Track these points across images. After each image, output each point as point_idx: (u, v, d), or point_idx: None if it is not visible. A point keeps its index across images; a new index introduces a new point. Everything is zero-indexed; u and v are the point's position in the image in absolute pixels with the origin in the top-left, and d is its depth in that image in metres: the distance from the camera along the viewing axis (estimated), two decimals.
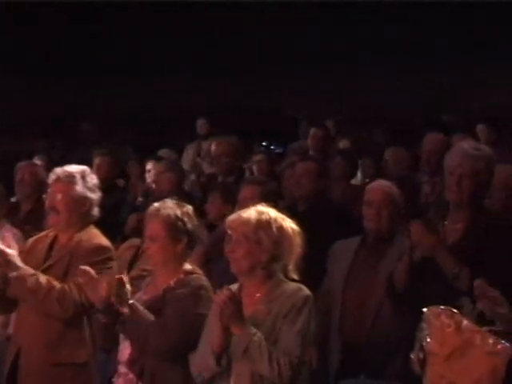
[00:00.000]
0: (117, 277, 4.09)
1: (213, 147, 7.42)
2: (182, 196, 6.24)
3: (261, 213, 3.86)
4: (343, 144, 8.86)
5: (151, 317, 4.10)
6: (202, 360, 3.83)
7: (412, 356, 3.02)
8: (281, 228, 3.84)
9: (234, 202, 5.64)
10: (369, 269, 4.92)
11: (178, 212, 4.23)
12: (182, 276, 4.19)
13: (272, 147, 11.40)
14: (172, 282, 4.18)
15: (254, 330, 3.70)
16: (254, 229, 3.81)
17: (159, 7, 14.77)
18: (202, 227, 5.27)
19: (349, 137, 9.03)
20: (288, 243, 3.84)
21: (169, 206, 4.25)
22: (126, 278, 4.11)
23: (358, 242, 5.07)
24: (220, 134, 7.84)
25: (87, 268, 4.19)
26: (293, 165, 6.70)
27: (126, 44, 15.52)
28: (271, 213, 3.88)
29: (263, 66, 15.12)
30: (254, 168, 7.82)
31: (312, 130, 8.29)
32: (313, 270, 5.24)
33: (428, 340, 2.93)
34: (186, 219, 4.24)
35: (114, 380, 4.26)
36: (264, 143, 11.53)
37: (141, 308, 4.10)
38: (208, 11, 14.91)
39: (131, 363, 4.16)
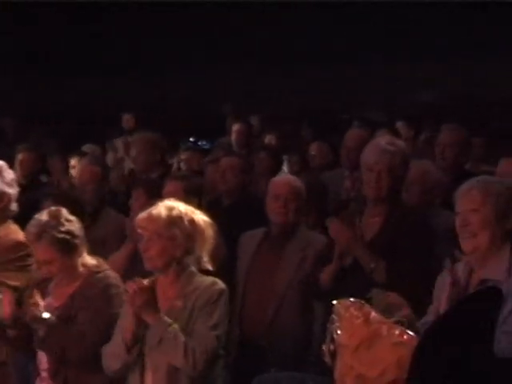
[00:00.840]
0: (26, 293, 4.04)
1: (133, 144, 7.39)
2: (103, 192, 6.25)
3: (171, 208, 3.86)
4: (268, 139, 8.90)
5: (65, 327, 4.03)
6: (112, 349, 3.81)
7: (323, 348, 3.06)
8: (192, 221, 3.86)
9: (158, 198, 5.64)
10: (270, 261, 4.99)
11: (54, 223, 4.11)
12: (86, 275, 4.13)
13: (199, 143, 11.38)
14: (78, 284, 4.11)
15: (169, 321, 3.70)
16: (166, 225, 3.81)
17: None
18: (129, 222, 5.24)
19: (274, 132, 9.07)
20: (200, 236, 3.86)
21: (42, 224, 4.12)
22: (35, 293, 4.05)
23: (261, 233, 5.11)
24: (146, 129, 7.80)
25: None
26: (216, 160, 6.73)
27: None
28: (181, 207, 3.89)
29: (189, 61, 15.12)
30: (181, 164, 7.83)
31: (235, 126, 8.32)
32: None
33: (338, 332, 2.98)
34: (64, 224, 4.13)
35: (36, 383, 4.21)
36: (191, 139, 11.51)
37: (52, 318, 4.03)
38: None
39: (53, 374, 4.10)
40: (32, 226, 4.15)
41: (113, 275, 4.19)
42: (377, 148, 4.53)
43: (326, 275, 4.45)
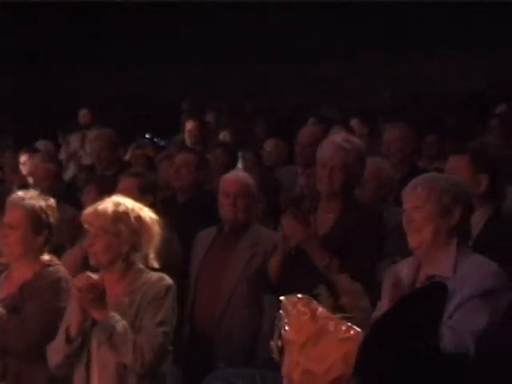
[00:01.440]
0: None
1: (89, 140, 7.36)
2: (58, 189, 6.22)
3: (117, 204, 3.84)
4: (223, 136, 8.90)
5: (9, 317, 4.00)
6: (56, 344, 3.79)
7: (271, 344, 3.07)
8: (139, 218, 3.84)
9: (110, 195, 5.61)
10: (222, 259, 5.00)
11: (43, 204, 4.18)
12: (38, 269, 4.13)
13: (155, 140, 11.34)
14: (29, 277, 4.11)
15: (118, 317, 3.69)
16: (111, 221, 3.79)
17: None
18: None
19: (229, 129, 9.07)
20: (147, 233, 3.85)
21: (33, 197, 4.19)
22: None
23: (215, 231, 5.12)
24: (102, 125, 7.77)
25: None
26: (170, 156, 6.71)
27: None
28: (128, 203, 3.87)
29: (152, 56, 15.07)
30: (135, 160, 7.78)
31: (188, 123, 8.31)
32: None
33: (286, 328, 2.98)
34: (49, 212, 4.18)
35: None
36: (147, 136, 11.47)
37: None
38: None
39: None
40: (20, 194, 4.19)
41: (63, 270, 4.18)
42: (332, 144, 4.56)
43: (273, 264, 4.48)
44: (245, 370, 3.91)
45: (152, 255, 3.89)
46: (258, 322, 4.76)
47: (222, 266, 4.96)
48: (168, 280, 3.86)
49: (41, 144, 8.30)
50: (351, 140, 4.64)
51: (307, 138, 6.38)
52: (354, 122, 8.63)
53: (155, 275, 3.87)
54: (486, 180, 4.29)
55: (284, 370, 3.01)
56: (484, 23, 13.74)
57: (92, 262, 3.85)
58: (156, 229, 3.89)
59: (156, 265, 3.89)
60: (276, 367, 3.19)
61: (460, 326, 3.22)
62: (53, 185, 6.29)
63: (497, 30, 13.57)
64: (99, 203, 3.88)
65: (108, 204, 3.85)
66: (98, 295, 3.67)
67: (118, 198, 3.91)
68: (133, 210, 3.86)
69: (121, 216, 3.81)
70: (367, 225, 4.47)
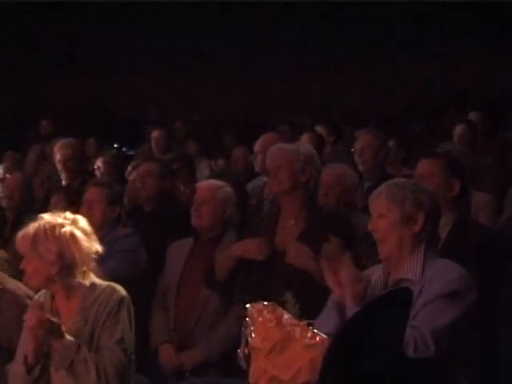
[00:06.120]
0: None
1: (55, 151, 7.30)
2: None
3: (39, 226, 3.72)
4: (189, 145, 8.90)
5: None
6: (14, 370, 3.74)
7: (238, 352, 3.06)
8: (59, 237, 3.71)
9: (78, 205, 5.58)
10: (198, 268, 4.98)
11: None
12: None
13: (123, 149, 11.32)
14: None
15: (77, 342, 3.63)
16: (31, 245, 3.70)
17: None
18: None
19: (196, 138, 9.07)
20: (73, 250, 3.72)
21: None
22: None
23: (192, 241, 5.13)
24: (64, 135, 7.71)
25: None
26: (137, 166, 6.68)
27: None
28: (51, 222, 3.74)
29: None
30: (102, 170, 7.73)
31: (153, 132, 8.31)
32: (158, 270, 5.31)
33: (252, 335, 2.98)
34: None
35: None
36: (115, 145, 11.43)
37: None
38: None
39: None
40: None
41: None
42: (277, 152, 4.55)
43: (222, 266, 4.48)
44: (211, 379, 3.90)
45: (87, 271, 3.78)
46: (233, 331, 4.72)
47: (200, 275, 4.94)
48: (120, 292, 3.77)
49: (8, 155, 8.25)
50: (297, 147, 4.59)
51: (264, 145, 6.37)
52: (318, 129, 8.64)
53: (106, 288, 3.77)
54: (458, 185, 4.33)
55: (251, 378, 3.00)
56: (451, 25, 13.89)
57: (29, 284, 3.80)
58: (84, 244, 3.75)
59: (94, 278, 3.81)
60: (241, 375, 3.18)
61: (421, 326, 3.24)
62: (24, 195, 6.28)
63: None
64: (30, 224, 3.77)
65: (30, 227, 3.73)
66: (51, 327, 3.57)
67: (46, 217, 3.76)
68: (53, 229, 3.70)
69: (40, 239, 3.69)
70: (332, 226, 4.45)
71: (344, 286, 3.42)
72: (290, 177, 4.42)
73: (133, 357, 3.78)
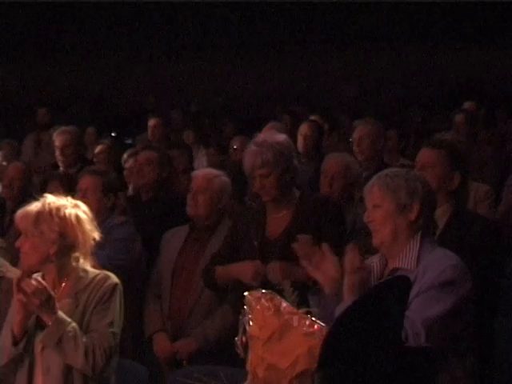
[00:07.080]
0: None
1: (54, 137, 7.30)
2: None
3: (43, 204, 3.71)
4: (187, 134, 8.88)
5: None
6: (4, 342, 3.71)
7: (236, 340, 3.05)
8: (64, 218, 3.71)
9: (74, 193, 5.57)
10: (193, 256, 4.99)
11: None
12: None
13: (122, 138, 11.30)
14: None
15: (68, 320, 3.63)
16: (33, 222, 3.68)
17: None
18: None
19: (194, 128, 9.05)
20: (76, 232, 3.73)
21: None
22: None
23: (187, 229, 5.12)
24: (61, 125, 7.71)
25: None
26: (135, 154, 6.69)
27: None
28: (56, 203, 3.73)
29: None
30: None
31: (150, 121, 8.29)
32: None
33: (250, 324, 2.97)
34: None
35: None
36: (113, 134, 11.41)
37: None
38: None
39: None
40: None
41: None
42: (249, 147, 4.53)
43: (221, 279, 4.53)
44: (207, 367, 3.90)
45: (84, 256, 3.78)
46: (228, 319, 4.73)
47: (193, 265, 4.95)
48: (113, 279, 3.77)
49: (6, 143, 8.23)
50: (266, 139, 4.52)
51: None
52: (314, 118, 8.61)
53: (99, 275, 3.77)
54: (458, 178, 4.30)
55: (248, 366, 2.99)
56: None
57: (23, 263, 3.78)
58: (87, 227, 3.76)
59: (88, 266, 3.81)
60: (239, 363, 3.18)
61: (413, 315, 3.24)
62: (25, 184, 6.27)
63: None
64: (32, 204, 3.76)
65: (36, 204, 3.73)
66: (46, 299, 3.57)
67: (50, 199, 3.76)
68: (58, 209, 3.70)
69: (43, 217, 3.68)
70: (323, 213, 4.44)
71: (346, 274, 3.42)
72: (264, 183, 4.41)
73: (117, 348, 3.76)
